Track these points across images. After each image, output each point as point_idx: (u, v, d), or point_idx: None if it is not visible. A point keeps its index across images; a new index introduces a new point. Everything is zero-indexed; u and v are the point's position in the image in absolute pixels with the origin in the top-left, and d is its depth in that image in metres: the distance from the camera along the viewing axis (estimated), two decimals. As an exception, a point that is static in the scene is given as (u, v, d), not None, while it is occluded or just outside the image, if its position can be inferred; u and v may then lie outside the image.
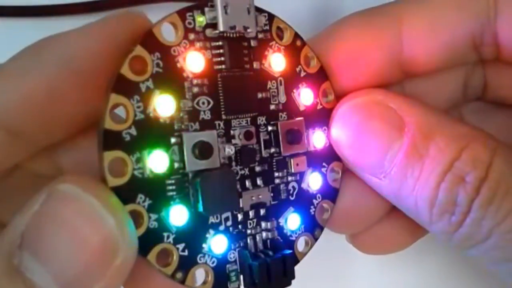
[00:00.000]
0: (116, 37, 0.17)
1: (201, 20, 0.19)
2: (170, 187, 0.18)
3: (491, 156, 0.18)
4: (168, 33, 0.18)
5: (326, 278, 0.31)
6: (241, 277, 0.19)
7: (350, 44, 0.22)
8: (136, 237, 0.16)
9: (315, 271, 0.26)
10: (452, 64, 0.22)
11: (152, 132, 0.17)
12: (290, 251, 0.20)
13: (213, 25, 0.19)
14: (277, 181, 0.21)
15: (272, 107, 0.21)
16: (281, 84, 0.21)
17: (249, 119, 0.20)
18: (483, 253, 0.19)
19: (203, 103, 0.19)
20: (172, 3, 0.26)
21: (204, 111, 0.19)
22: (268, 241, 0.20)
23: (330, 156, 0.22)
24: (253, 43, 0.20)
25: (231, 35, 0.19)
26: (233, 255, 0.19)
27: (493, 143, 0.19)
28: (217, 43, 0.19)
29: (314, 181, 0.22)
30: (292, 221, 0.21)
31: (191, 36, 0.19)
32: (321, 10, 0.30)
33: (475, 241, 0.19)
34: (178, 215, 0.18)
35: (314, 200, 0.22)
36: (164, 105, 0.18)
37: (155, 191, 0.17)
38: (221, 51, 0.19)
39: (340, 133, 0.21)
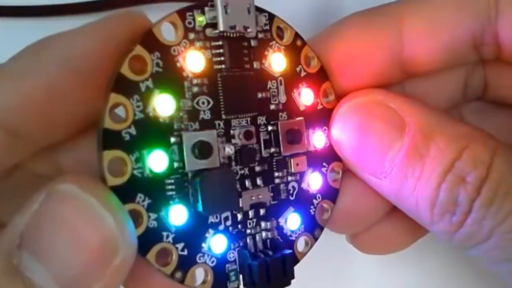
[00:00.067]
0: (116, 37, 0.17)
1: (201, 19, 0.19)
2: (170, 187, 0.18)
3: (491, 156, 0.18)
4: (168, 33, 0.18)
5: (326, 278, 0.31)
6: (241, 276, 0.19)
7: (350, 44, 0.22)
8: (135, 237, 0.16)
9: (315, 271, 0.26)
10: (452, 64, 0.22)
11: (151, 132, 0.17)
12: (290, 251, 0.20)
13: (213, 25, 0.19)
14: (277, 181, 0.21)
15: (272, 107, 0.21)
16: (281, 84, 0.21)
17: (249, 119, 0.20)
18: (484, 253, 0.19)
19: (203, 102, 0.19)
20: (172, 3, 0.26)
21: (204, 111, 0.19)
22: (268, 241, 0.20)
23: (330, 156, 0.22)
24: (253, 42, 0.20)
25: (231, 35, 0.19)
26: (232, 255, 0.19)
27: (493, 143, 0.19)
28: (217, 43, 0.19)
29: (314, 181, 0.22)
30: (292, 221, 0.21)
31: (191, 35, 0.19)
32: (322, 10, 0.30)
33: (476, 241, 0.19)
34: (177, 215, 0.18)
35: (314, 200, 0.22)
36: (163, 105, 0.18)
37: (154, 190, 0.17)
38: (221, 50, 0.19)
39: (341, 133, 0.21)
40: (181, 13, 0.18)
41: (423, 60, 0.22)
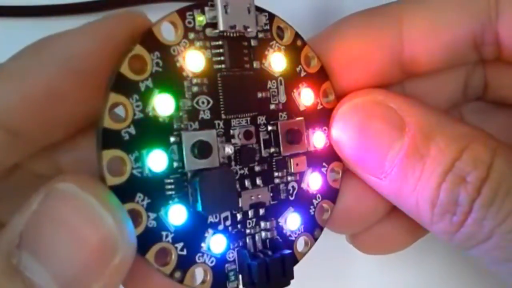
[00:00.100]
0: (115, 37, 0.17)
1: (201, 19, 0.19)
2: (169, 186, 0.18)
3: (491, 156, 0.18)
4: (168, 32, 0.18)
5: (326, 278, 0.31)
6: (240, 276, 0.19)
7: (350, 44, 0.22)
8: (134, 236, 0.16)
9: (314, 271, 0.26)
10: (452, 64, 0.22)
11: (151, 131, 0.17)
12: (289, 251, 0.20)
13: (213, 25, 0.19)
14: (276, 181, 0.21)
15: (272, 106, 0.21)
16: (281, 84, 0.21)
17: (249, 118, 0.20)
18: (484, 253, 0.19)
19: (203, 102, 0.19)
20: (172, 3, 0.26)
21: (203, 111, 0.19)
22: (267, 241, 0.20)
23: (330, 156, 0.22)
24: (253, 42, 0.20)
25: (231, 35, 0.19)
26: (232, 255, 0.19)
27: (493, 143, 0.19)
28: (217, 43, 0.19)
29: (314, 181, 0.21)
30: (292, 221, 0.21)
31: (191, 35, 0.19)
32: (322, 10, 0.30)
33: (476, 241, 0.19)
34: (177, 214, 0.18)
35: (314, 200, 0.22)
36: (163, 104, 0.18)
37: (154, 190, 0.17)
38: (221, 50, 0.19)
39: (341, 133, 0.21)
40: (181, 13, 0.18)
41: (423, 60, 0.22)
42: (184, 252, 0.18)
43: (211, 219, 0.19)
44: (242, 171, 0.20)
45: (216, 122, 0.19)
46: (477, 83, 0.24)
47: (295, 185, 0.21)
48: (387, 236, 0.24)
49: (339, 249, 0.27)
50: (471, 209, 0.18)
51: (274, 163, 0.21)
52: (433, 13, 0.21)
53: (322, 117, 0.22)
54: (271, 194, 0.20)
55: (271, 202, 0.20)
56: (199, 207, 0.18)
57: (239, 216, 0.20)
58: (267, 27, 0.20)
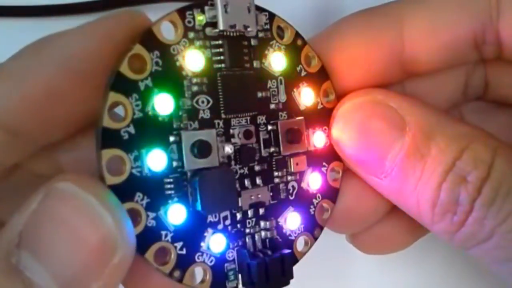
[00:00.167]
0: (115, 36, 0.17)
1: (201, 18, 0.19)
2: (169, 186, 0.18)
3: (492, 156, 0.18)
4: (167, 32, 0.18)
5: (326, 278, 0.31)
6: (239, 276, 0.19)
7: (351, 44, 0.22)
8: (134, 236, 0.16)
9: (314, 271, 0.26)
10: (453, 63, 0.22)
11: (150, 131, 0.17)
12: (289, 250, 0.20)
13: (213, 24, 0.19)
14: (276, 180, 0.21)
15: (272, 106, 0.21)
16: (281, 83, 0.21)
17: (248, 118, 0.20)
18: (485, 253, 0.19)
19: (203, 102, 0.19)
20: (172, 3, 0.26)
21: (203, 110, 0.19)
22: (267, 240, 0.20)
23: (330, 155, 0.22)
24: (253, 42, 0.20)
25: (231, 34, 0.19)
26: (231, 254, 0.19)
27: (494, 142, 0.19)
28: (217, 42, 0.19)
29: (314, 181, 0.21)
30: (292, 220, 0.21)
31: (191, 34, 0.19)
32: (322, 9, 0.30)
33: (477, 241, 0.19)
34: (176, 214, 0.18)
35: (314, 200, 0.22)
36: (163, 104, 0.18)
37: (153, 189, 0.17)
38: (221, 50, 0.19)
39: (341, 132, 0.21)
40: (181, 12, 0.18)
41: (424, 59, 0.22)
42: (184, 252, 0.18)
43: (210, 218, 0.19)
44: (242, 171, 0.20)
45: (216, 121, 0.19)
46: (478, 83, 0.24)
47: (295, 184, 0.21)
48: (387, 236, 0.24)
49: (339, 249, 0.27)
50: (472, 208, 0.18)
51: (274, 163, 0.21)
52: (434, 12, 0.21)
53: (322, 116, 0.22)
54: (271, 194, 0.20)
55: (271, 202, 0.20)
56: (199, 207, 0.18)
57: (238, 216, 0.20)
58: (267, 26, 0.20)
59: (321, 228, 0.22)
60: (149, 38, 0.18)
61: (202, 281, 0.19)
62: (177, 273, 0.18)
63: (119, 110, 0.17)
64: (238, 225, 0.20)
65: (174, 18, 0.18)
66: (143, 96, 0.17)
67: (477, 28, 0.21)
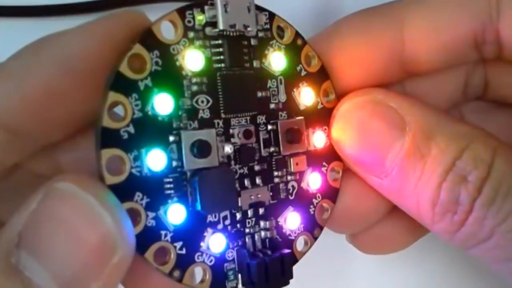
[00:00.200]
0: (114, 36, 0.17)
1: (200, 18, 0.19)
2: (168, 186, 0.18)
3: (492, 156, 0.18)
4: (167, 32, 0.18)
5: (326, 277, 0.31)
6: (239, 276, 0.19)
7: (351, 43, 0.22)
8: (133, 235, 0.16)
9: (314, 271, 0.26)
10: (453, 63, 0.22)
11: (150, 130, 0.17)
12: (289, 250, 0.20)
13: (212, 24, 0.19)
14: (276, 180, 0.21)
15: (272, 106, 0.21)
16: (281, 83, 0.21)
17: (248, 118, 0.20)
18: (485, 253, 0.19)
19: (202, 101, 0.19)
20: (172, 3, 0.26)
21: (203, 110, 0.19)
22: (267, 240, 0.20)
23: (330, 155, 0.22)
24: (253, 41, 0.20)
25: (231, 34, 0.19)
26: (231, 254, 0.19)
27: (494, 142, 0.19)
28: (216, 42, 0.19)
29: (314, 181, 0.21)
30: (291, 220, 0.21)
31: (191, 34, 0.18)
32: (322, 9, 0.30)
33: (477, 241, 0.19)
34: (176, 214, 0.18)
35: (313, 200, 0.21)
36: (162, 104, 0.18)
37: (153, 189, 0.17)
38: (221, 49, 0.19)
39: (341, 132, 0.21)
40: (181, 12, 0.18)
41: (424, 59, 0.22)
42: (183, 251, 0.18)
43: (210, 218, 0.19)
44: (241, 171, 0.20)
45: (216, 121, 0.19)
46: (478, 83, 0.24)
47: (295, 184, 0.21)
48: (387, 236, 0.24)
49: (339, 248, 0.27)
50: (472, 208, 0.18)
51: (274, 163, 0.21)
52: (434, 12, 0.21)
53: (322, 116, 0.22)
54: (271, 194, 0.20)
55: (271, 202, 0.20)
56: (198, 206, 0.18)
57: (238, 216, 0.20)
58: (267, 26, 0.20)
59: (321, 228, 0.22)
60: (149, 38, 0.18)
61: (202, 281, 0.19)
62: (176, 273, 0.18)
63: (119, 109, 0.17)
64: (238, 225, 0.20)
65: (174, 17, 0.18)
66: (142, 95, 0.17)
67: (477, 28, 0.21)
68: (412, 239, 0.24)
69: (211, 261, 0.19)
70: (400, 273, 0.32)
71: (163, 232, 0.18)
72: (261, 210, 0.20)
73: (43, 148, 0.19)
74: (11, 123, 0.17)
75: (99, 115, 0.17)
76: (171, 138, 0.18)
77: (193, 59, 0.18)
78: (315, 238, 0.21)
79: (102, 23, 0.18)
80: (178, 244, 0.18)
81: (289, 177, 0.21)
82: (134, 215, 0.17)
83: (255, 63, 0.20)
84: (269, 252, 0.20)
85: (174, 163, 0.18)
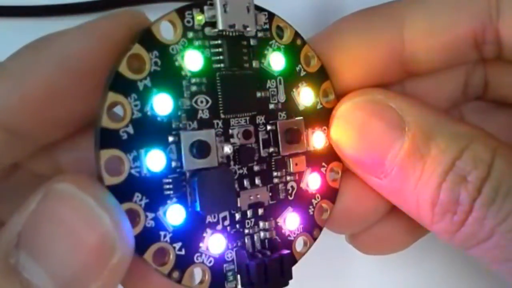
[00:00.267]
0: (114, 36, 0.17)
1: (200, 18, 0.19)
2: (167, 186, 0.18)
3: (492, 156, 0.18)
4: (166, 32, 0.18)
5: (325, 278, 0.31)
6: (238, 277, 0.19)
7: (351, 43, 0.22)
8: (132, 236, 0.16)
9: (313, 271, 0.26)
10: (453, 63, 0.22)
11: (149, 131, 0.17)
12: (288, 251, 0.20)
13: (212, 24, 0.19)
14: (275, 180, 0.21)
15: (272, 106, 0.21)
16: (280, 83, 0.21)
17: (248, 118, 0.20)
18: (485, 253, 0.19)
19: (202, 102, 0.19)
20: (171, 3, 0.26)
21: (202, 110, 0.19)
22: (266, 241, 0.20)
23: (329, 156, 0.22)
24: (252, 42, 0.20)
25: (230, 34, 0.19)
26: (230, 255, 0.19)
27: (493, 142, 0.19)
28: (216, 42, 0.19)
29: (313, 181, 0.21)
30: (291, 221, 0.21)
31: (190, 34, 0.18)
32: (322, 9, 0.30)
33: (477, 241, 0.19)
34: (175, 214, 0.18)
35: (313, 200, 0.21)
36: (162, 104, 0.18)
37: (152, 190, 0.17)
38: (220, 49, 0.19)
39: (340, 132, 0.21)
40: (180, 12, 0.18)
41: (424, 59, 0.22)
42: (182, 252, 0.18)
43: (209, 219, 0.19)
44: (241, 171, 0.20)
45: (215, 121, 0.19)
46: (478, 82, 0.24)
47: (294, 185, 0.21)
48: (387, 236, 0.24)
49: (339, 249, 0.27)
50: (472, 208, 0.18)
51: (273, 163, 0.21)
52: (434, 12, 0.21)
53: (321, 116, 0.22)
54: (270, 194, 0.20)
55: (270, 202, 0.20)
56: (198, 207, 0.18)
57: (237, 216, 0.20)
58: (267, 26, 0.20)
59: (320, 229, 0.22)
60: (148, 38, 0.17)
61: (201, 282, 0.19)
62: (176, 274, 0.18)
63: (118, 110, 0.17)
64: (237, 226, 0.20)
65: (173, 18, 0.18)
66: (142, 96, 0.17)
67: (477, 28, 0.21)
68: (412, 239, 0.24)
69: (210, 262, 0.19)
70: (400, 273, 0.32)
71: (162, 233, 0.18)
72: (260, 211, 0.20)
73: (43, 148, 0.19)
74: (10, 123, 0.17)
75: (98, 115, 0.16)
76: (171, 139, 0.18)
77: (192, 59, 0.18)
78: (315, 239, 0.21)
79: (102, 23, 0.18)
80: (177, 245, 0.18)
81: (288, 178, 0.21)
82: (133, 215, 0.17)
83: (255, 63, 0.20)
84: (268, 252, 0.20)
85: (174, 164, 0.18)
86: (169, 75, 0.18)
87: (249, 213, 0.20)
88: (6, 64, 0.17)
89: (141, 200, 0.17)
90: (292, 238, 0.21)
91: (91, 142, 0.17)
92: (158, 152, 0.17)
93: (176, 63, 0.18)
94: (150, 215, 0.17)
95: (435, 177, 0.19)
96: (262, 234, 0.20)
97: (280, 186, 0.21)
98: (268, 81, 0.20)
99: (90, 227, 0.15)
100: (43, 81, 0.17)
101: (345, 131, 0.21)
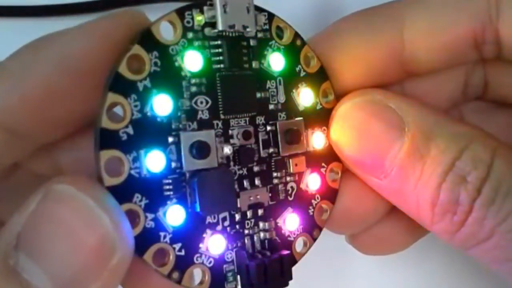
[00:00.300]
0: (113, 36, 0.17)
1: (199, 19, 0.19)
2: (167, 187, 0.18)
3: (491, 156, 0.18)
4: (166, 32, 0.18)
5: (325, 278, 0.31)
6: (238, 277, 0.19)
7: (350, 44, 0.22)
8: (132, 237, 0.16)
9: (313, 272, 0.26)
10: (453, 63, 0.22)
11: (149, 132, 0.17)
12: (288, 251, 0.20)
13: (212, 24, 0.19)
14: (275, 181, 0.21)
15: (271, 107, 0.21)
16: (280, 84, 0.21)
17: (247, 118, 0.20)
18: (485, 253, 0.19)
19: (201, 102, 0.19)
20: (171, 3, 0.26)
21: (202, 111, 0.19)
22: (266, 241, 0.20)
23: (329, 156, 0.22)
24: (252, 42, 0.20)
25: (230, 34, 0.19)
26: (230, 255, 0.19)
27: (493, 143, 0.19)
28: (215, 42, 0.19)
29: (313, 182, 0.21)
30: (291, 221, 0.21)
31: (190, 35, 0.18)
32: (322, 9, 0.30)
33: (477, 241, 0.19)
34: (175, 215, 0.18)
35: (312, 201, 0.21)
36: (161, 104, 0.18)
37: (152, 190, 0.17)
38: (220, 50, 0.19)
39: (340, 133, 0.21)
40: (180, 12, 0.18)
41: (424, 59, 0.22)
42: (182, 253, 0.18)
43: (209, 219, 0.19)
44: (240, 172, 0.20)
45: (215, 122, 0.19)
46: (477, 82, 0.24)
47: (294, 185, 0.21)
48: (387, 237, 0.24)
49: (338, 249, 0.27)
50: (472, 208, 0.18)
51: (273, 164, 0.21)
52: (433, 12, 0.21)
53: (321, 117, 0.22)
54: (270, 195, 0.20)
55: (270, 203, 0.20)
56: (197, 208, 0.18)
57: (237, 217, 0.20)
58: (267, 26, 0.20)
59: (320, 229, 0.22)
60: (148, 39, 0.17)
61: (201, 283, 0.19)
62: (175, 275, 0.18)
63: (118, 110, 0.17)
64: (237, 226, 0.20)
65: (173, 18, 0.18)
66: (141, 96, 0.17)
67: (476, 28, 0.21)
68: (412, 239, 0.24)
69: (210, 263, 0.19)
70: (400, 273, 0.32)
71: (162, 234, 0.18)
72: (260, 211, 0.20)
73: (43, 148, 0.19)
74: (10, 123, 0.17)
75: (98, 115, 0.16)
76: (170, 139, 0.18)
77: (192, 60, 0.18)
78: (314, 239, 0.21)
79: (101, 23, 0.18)
80: (177, 246, 0.18)
81: (288, 178, 0.21)
82: (133, 216, 0.17)
83: (254, 64, 0.20)
84: (268, 253, 0.20)
85: (173, 164, 0.18)
86: (169, 76, 0.18)
87: (249, 213, 0.20)
88: (6, 64, 0.17)
89: (141, 200, 0.17)
90: (292, 239, 0.21)
91: (91, 142, 0.17)
92: (158, 152, 0.17)
93: (176, 64, 0.18)
94: (150, 215, 0.17)
95: (435, 178, 0.19)
96: (262, 234, 0.20)
97: (280, 186, 0.21)
98: (268, 82, 0.20)
99: (90, 228, 0.15)
100: (43, 81, 0.17)
101: (344, 131, 0.21)
